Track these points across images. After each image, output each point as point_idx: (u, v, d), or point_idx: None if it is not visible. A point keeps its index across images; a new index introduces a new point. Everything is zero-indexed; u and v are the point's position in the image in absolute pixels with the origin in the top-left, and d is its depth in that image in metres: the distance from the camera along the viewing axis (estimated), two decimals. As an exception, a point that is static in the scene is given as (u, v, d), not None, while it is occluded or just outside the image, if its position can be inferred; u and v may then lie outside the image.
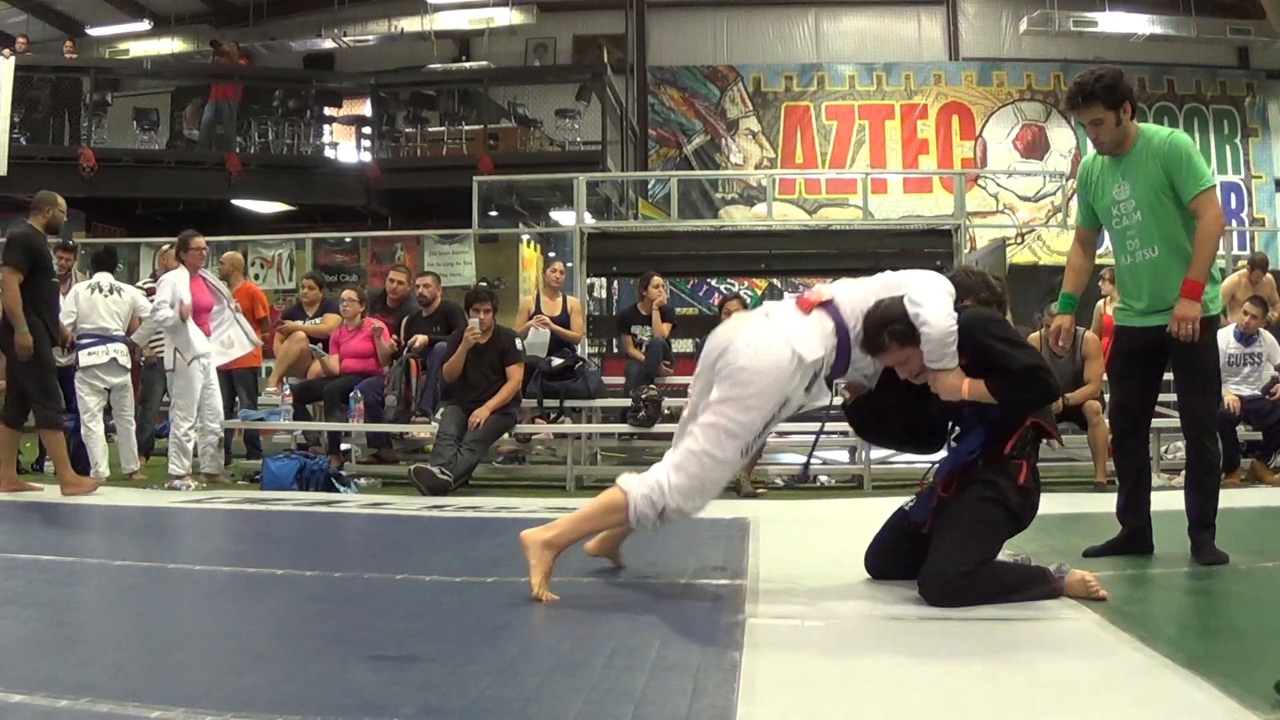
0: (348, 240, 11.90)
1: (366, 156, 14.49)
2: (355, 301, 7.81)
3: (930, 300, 3.15)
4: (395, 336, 7.82)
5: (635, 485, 3.18)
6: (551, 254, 11.11)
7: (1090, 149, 4.09)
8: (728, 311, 7.20)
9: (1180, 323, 3.75)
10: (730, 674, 2.38)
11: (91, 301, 7.26)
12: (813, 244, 10.86)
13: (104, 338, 7.23)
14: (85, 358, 7.22)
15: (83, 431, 7.32)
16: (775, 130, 17.03)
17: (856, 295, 3.29)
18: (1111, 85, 3.83)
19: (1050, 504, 5.88)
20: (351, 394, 7.39)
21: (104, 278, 7.47)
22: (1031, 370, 3.17)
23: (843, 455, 7.91)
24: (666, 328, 8.17)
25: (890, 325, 3.17)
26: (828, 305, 3.26)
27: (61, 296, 7.88)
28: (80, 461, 7.69)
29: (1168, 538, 3.92)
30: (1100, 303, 8.58)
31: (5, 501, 6.10)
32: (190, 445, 7.03)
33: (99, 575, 3.92)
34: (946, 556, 3.09)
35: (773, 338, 3.18)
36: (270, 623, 3.15)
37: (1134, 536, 3.97)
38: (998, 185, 16.65)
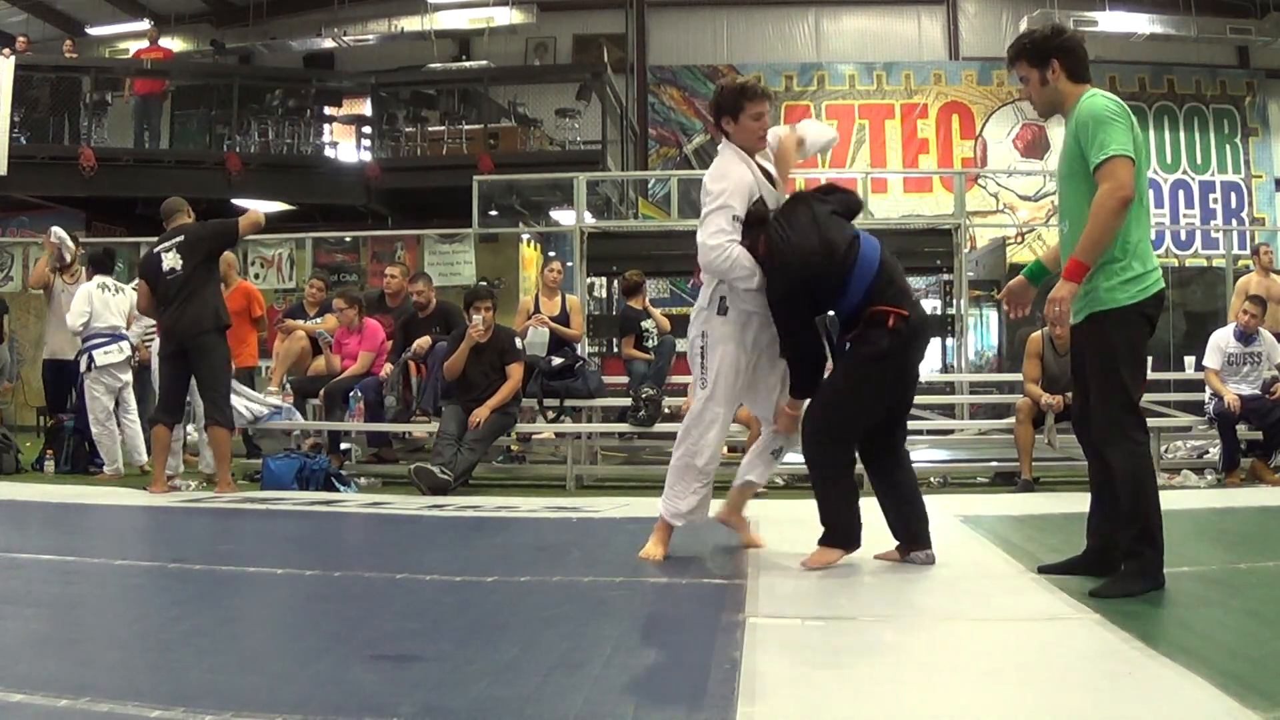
0: (348, 240, 11.91)
1: (366, 156, 14.49)
2: (345, 308, 7.70)
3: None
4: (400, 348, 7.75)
5: None
6: (551, 253, 11.10)
7: None
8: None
9: (1049, 303, 3.28)
10: (730, 674, 2.38)
11: (104, 300, 7.29)
12: (813, 243, 10.82)
13: (115, 336, 7.26)
14: (101, 356, 7.23)
15: (97, 430, 7.33)
16: (775, 129, 17.03)
17: None
18: (1039, 41, 3.42)
19: (1051, 504, 5.96)
20: (351, 393, 7.38)
21: (105, 279, 7.49)
22: None
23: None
24: (668, 323, 8.13)
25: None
26: None
27: (61, 292, 7.92)
28: (82, 459, 7.72)
29: (1167, 538, 3.90)
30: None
31: (5, 501, 6.10)
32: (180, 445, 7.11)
33: (99, 575, 3.92)
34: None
35: None
36: (270, 623, 3.16)
37: (1091, 555, 3.52)
38: (998, 185, 16.64)
